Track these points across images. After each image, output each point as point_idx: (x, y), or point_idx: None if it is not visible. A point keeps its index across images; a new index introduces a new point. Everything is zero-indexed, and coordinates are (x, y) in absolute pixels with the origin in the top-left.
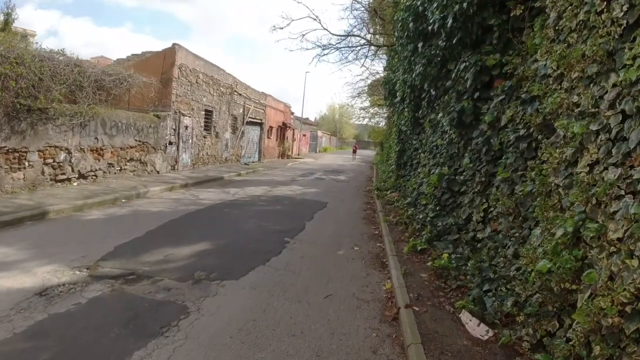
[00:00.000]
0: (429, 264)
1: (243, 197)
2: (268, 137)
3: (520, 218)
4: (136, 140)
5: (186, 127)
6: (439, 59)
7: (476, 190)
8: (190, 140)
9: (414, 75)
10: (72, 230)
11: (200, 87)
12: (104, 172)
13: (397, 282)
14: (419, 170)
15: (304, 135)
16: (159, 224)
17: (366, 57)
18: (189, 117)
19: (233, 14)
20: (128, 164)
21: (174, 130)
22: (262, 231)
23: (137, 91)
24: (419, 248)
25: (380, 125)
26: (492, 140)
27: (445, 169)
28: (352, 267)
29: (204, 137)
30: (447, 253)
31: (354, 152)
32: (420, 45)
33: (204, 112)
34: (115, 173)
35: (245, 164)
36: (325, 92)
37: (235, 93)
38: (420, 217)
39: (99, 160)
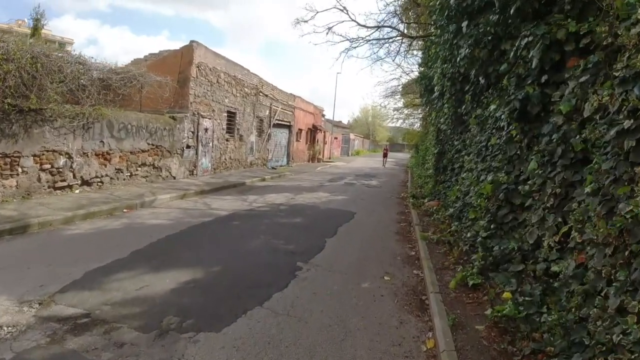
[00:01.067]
0: (488, 312)
1: (261, 206)
2: (297, 140)
3: (627, 252)
4: (149, 144)
5: (206, 129)
6: (489, 38)
7: (548, 205)
8: (211, 144)
9: (457, 60)
10: (46, 249)
11: (221, 87)
12: (112, 178)
13: (443, 341)
14: (462, 175)
15: (336, 138)
16: (149, 242)
17: (398, 52)
18: (209, 119)
19: (265, 20)
20: (140, 169)
21: (192, 132)
22: (271, 252)
23: (150, 91)
24: (470, 283)
25: (414, 127)
26: (571, 138)
27: (502, 176)
28: (380, 309)
29: (227, 140)
30: (510, 291)
31: (385, 155)
32: (464, 25)
33: (226, 114)
34: (124, 179)
35: (273, 168)
36: (358, 95)
37: (260, 94)
38: (469, 235)
39: (105, 165)
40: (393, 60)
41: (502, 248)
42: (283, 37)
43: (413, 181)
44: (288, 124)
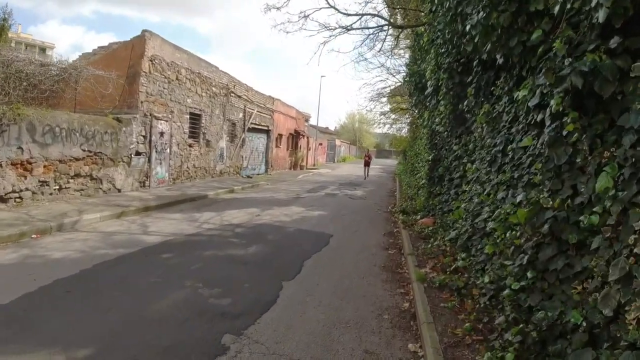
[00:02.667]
0: None
1: (211, 228)
2: (277, 146)
3: None
4: (84, 151)
5: (162, 133)
6: None
7: (636, 249)
8: (168, 150)
9: (465, 32)
10: None
11: (182, 85)
12: (34, 192)
13: None
14: (465, 188)
15: (320, 144)
16: (25, 292)
17: (383, 45)
18: (166, 121)
19: (250, 26)
20: (72, 181)
21: (144, 137)
22: (190, 315)
23: (88, 88)
24: None
25: (402, 132)
26: None
27: (545, 197)
28: None
29: (190, 145)
30: None
31: (367, 164)
32: None
33: (188, 116)
34: (51, 194)
35: (248, 176)
36: (344, 100)
37: (232, 95)
38: (486, 280)
39: (25, 177)
40: (378, 55)
41: (552, 316)
42: (268, 44)
43: (402, 190)
44: (266, 128)
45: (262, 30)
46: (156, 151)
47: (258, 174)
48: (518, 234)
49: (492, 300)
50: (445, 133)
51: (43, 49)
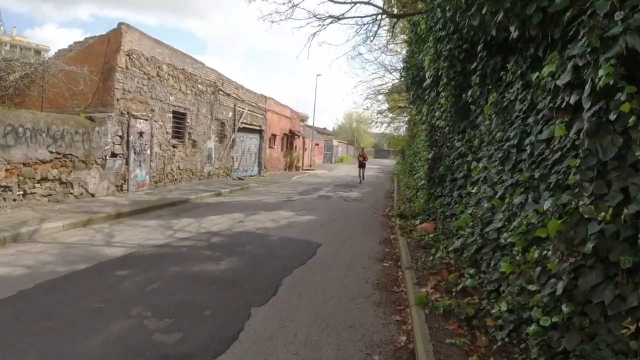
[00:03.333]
0: None
1: (185, 237)
2: (270, 147)
3: None
4: (52, 152)
5: (141, 133)
6: None
7: None
8: (149, 151)
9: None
10: None
11: (164, 82)
12: None
13: None
14: (471, 190)
15: (317, 144)
16: None
17: (375, 34)
18: (146, 120)
19: (245, 28)
20: (39, 185)
21: (120, 137)
22: (120, 359)
23: (56, 84)
24: None
25: (400, 131)
26: None
27: (586, 204)
28: None
29: (173, 146)
30: None
31: (362, 166)
32: None
33: (171, 115)
34: (14, 200)
35: (240, 178)
36: (340, 100)
37: (220, 93)
38: (503, 309)
39: None
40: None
41: None
42: (263, 45)
43: (400, 192)
44: (259, 128)
45: (256, 32)
46: (135, 152)
47: (250, 176)
48: (547, 252)
49: (513, 335)
50: (447, 128)
51: (38, 52)
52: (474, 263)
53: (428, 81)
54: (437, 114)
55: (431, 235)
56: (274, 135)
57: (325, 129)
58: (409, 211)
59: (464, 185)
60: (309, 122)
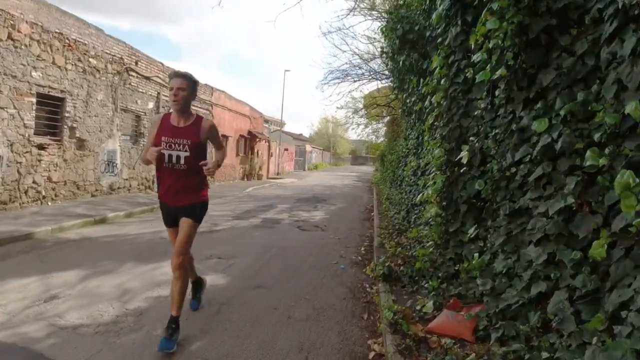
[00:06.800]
0: None
1: None
2: (219, 151)
3: None
4: None
5: None
6: None
7: None
8: None
9: None
10: None
11: (22, 49)
12: None
13: None
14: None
15: (286, 149)
16: None
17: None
18: None
19: (222, 34)
20: None
21: None
22: None
23: None
24: None
25: (378, 134)
26: None
27: None
28: None
29: (40, 147)
30: None
31: None
32: None
33: (34, 99)
34: None
35: None
36: (310, 96)
37: (132, 74)
38: None
39: None
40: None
41: None
42: (243, 53)
43: (381, 210)
44: None
45: (235, 38)
46: None
47: None
48: None
49: None
50: (498, 98)
51: None
52: None
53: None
54: (462, 66)
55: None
56: (225, 137)
57: (301, 135)
58: (403, 263)
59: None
60: (286, 129)
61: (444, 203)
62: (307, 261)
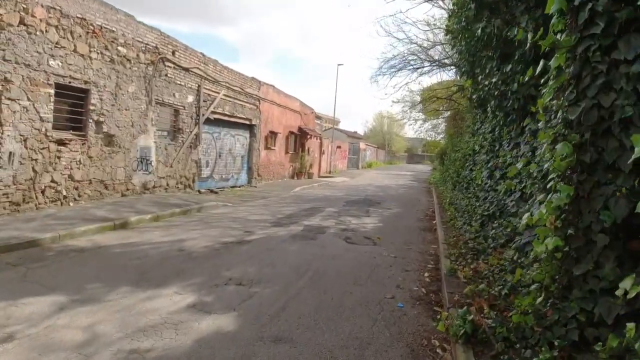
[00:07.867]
0: None
1: None
2: (267, 148)
3: None
4: None
5: None
6: None
7: None
8: None
9: None
10: None
11: (36, 35)
12: None
13: None
14: None
15: (339, 147)
16: None
17: None
18: None
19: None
20: None
21: None
22: None
23: None
24: None
25: (438, 130)
26: None
27: None
28: None
29: (59, 142)
30: None
31: None
32: None
33: (53, 90)
34: None
35: (211, 191)
36: (368, 104)
37: (168, 65)
38: None
39: None
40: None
41: None
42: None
43: (445, 216)
44: (248, 122)
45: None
46: None
47: (233, 187)
48: None
49: None
50: None
51: None
52: None
53: None
54: None
55: None
56: (273, 133)
57: (355, 132)
58: (489, 308)
59: None
60: (341, 126)
61: (569, 231)
62: (352, 294)
